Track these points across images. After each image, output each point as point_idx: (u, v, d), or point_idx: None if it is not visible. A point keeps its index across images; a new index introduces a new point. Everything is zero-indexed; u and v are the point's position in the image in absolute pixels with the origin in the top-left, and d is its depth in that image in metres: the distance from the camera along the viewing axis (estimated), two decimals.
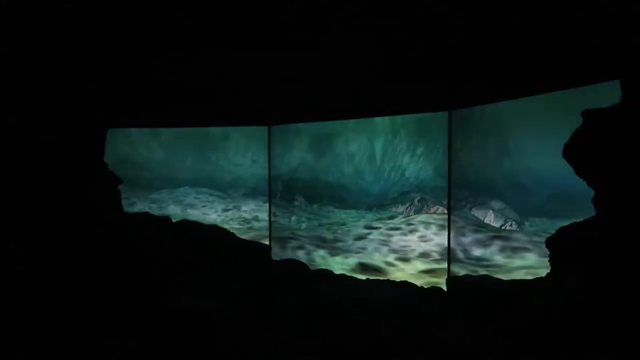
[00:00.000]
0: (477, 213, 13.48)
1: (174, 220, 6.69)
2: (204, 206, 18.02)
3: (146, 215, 6.56)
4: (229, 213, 17.09)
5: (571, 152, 3.51)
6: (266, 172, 8.46)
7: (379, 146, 18.04)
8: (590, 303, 3.07)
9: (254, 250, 6.50)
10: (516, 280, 4.71)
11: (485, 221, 13.07)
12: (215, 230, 6.71)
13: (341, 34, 3.20)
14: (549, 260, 3.79)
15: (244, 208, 17.35)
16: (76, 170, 4.64)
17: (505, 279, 4.81)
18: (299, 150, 17.74)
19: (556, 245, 3.73)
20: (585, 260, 3.34)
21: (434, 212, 13.89)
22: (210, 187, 19.09)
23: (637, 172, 3.04)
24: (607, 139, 3.24)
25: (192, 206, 17.91)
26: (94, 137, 5.08)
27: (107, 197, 5.16)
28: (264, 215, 15.57)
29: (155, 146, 19.74)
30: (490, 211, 13.38)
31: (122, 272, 4.68)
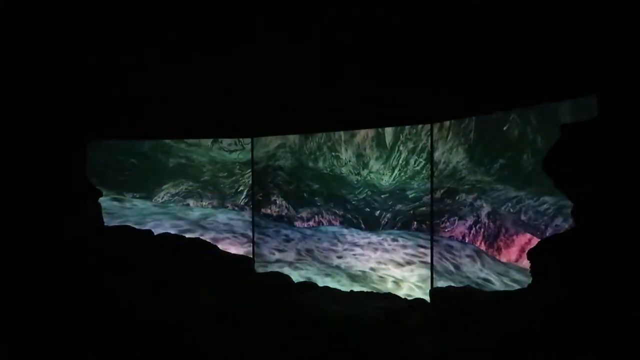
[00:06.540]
0: None
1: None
2: None
3: (126, 228, 6.44)
4: None
5: (550, 165, 3.59)
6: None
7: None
8: (563, 312, 3.11)
9: (238, 263, 6.43)
10: (499, 292, 4.75)
11: None
12: (198, 243, 6.62)
13: (325, 39, 3.22)
14: (530, 271, 3.84)
15: None
16: (52, 182, 4.54)
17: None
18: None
19: (536, 256, 3.79)
20: (561, 270, 3.39)
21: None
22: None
23: (612, 184, 3.12)
24: (584, 152, 3.32)
25: None
26: (71, 148, 4.99)
27: (84, 209, 5.06)
28: None
29: None
30: None
31: (96, 286, 4.57)
